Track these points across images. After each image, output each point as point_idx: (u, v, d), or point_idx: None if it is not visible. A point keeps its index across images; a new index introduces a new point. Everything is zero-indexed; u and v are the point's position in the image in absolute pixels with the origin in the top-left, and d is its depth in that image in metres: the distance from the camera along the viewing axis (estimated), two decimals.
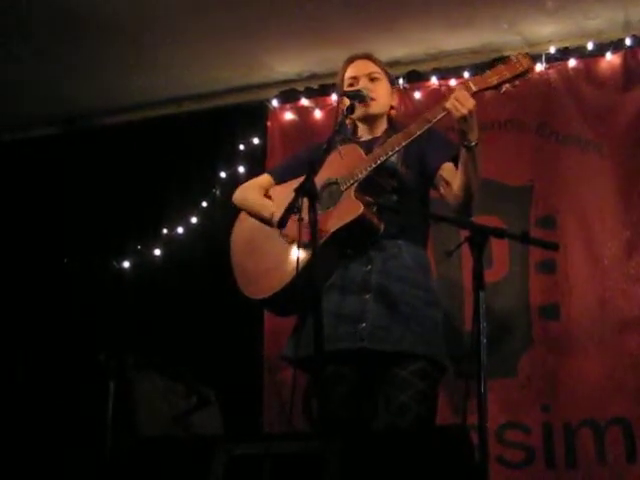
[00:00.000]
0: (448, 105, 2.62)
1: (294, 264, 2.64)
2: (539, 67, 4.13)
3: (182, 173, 4.79)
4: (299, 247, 2.59)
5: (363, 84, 2.91)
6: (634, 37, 4.11)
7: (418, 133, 2.69)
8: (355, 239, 2.76)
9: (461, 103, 2.59)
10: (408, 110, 4.29)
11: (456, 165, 2.76)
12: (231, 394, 4.01)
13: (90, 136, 5.04)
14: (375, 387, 2.77)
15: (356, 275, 2.77)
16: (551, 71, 4.21)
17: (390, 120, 2.98)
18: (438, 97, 4.29)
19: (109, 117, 5.06)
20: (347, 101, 2.84)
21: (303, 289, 2.58)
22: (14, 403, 4.53)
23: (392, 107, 2.99)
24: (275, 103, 4.68)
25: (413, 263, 2.80)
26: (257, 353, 4.33)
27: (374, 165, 2.73)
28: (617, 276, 3.91)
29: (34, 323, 4.75)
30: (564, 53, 4.20)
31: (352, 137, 2.96)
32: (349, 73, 2.97)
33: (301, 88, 4.67)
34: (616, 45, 4.13)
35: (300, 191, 2.49)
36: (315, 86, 4.64)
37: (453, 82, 4.35)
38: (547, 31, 4.26)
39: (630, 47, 4.11)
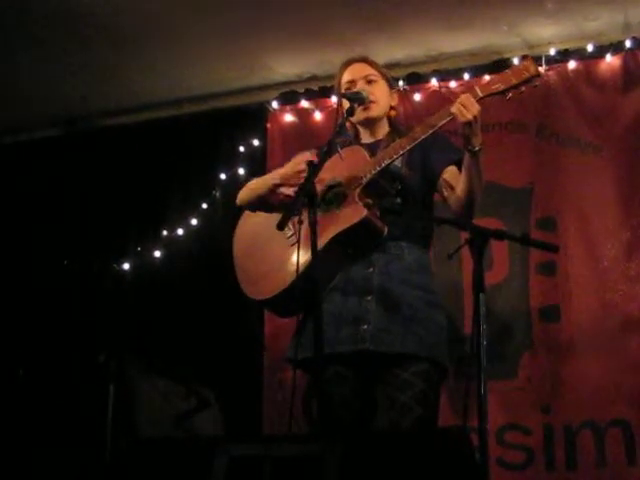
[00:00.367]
0: (453, 110, 2.62)
1: (295, 266, 2.64)
2: (539, 69, 4.13)
3: (182, 175, 4.79)
4: (299, 249, 2.59)
5: (360, 87, 2.90)
6: (634, 39, 4.11)
7: (422, 137, 2.70)
8: (358, 242, 2.76)
9: (466, 108, 2.59)
10: (408, 112, 4.29)
11: (460, 169, 2.76)
12: (231, 395, 4.01)
13: (91, 138, 5.04)
14: (376, 388, 2.78)
15: (358, 277, 2.78)
16: (551, 73, 4.21)
17: (391, 122, 2.99)
18: (438, 99, 4.30)
19: (109, 119, 5.06)
20: (347, 103, 2.84)
21: (304, 291, 2.58)
22: (15, 404, 4.53)
23: (392, 108, 2.99)
24: (275, 105, 4.69)
25: (415, 265, 2.80)
26: (257, 354, 4.34)
27: (378, 168, 2.73)
28: (617, 277, 3.91)
29: (34, 325, 4.75)
30: (564, 55, 4.20)
31: (354, 141, 2.97)
32: (346, 77, 2.97)
33: (301, 90, 4.68)
34: (616, 47, 4.13)
35: (300, 192, 2.49)
36: (315, 88, 4.64)
37: (453, 84, 4.36)
38: (547, 33, 4.26)
39: (630, 49, 4.11)
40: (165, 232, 4.72)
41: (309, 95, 4.64)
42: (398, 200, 2.81)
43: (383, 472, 2.04)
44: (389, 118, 2.98)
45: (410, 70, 4.46)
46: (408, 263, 2.79)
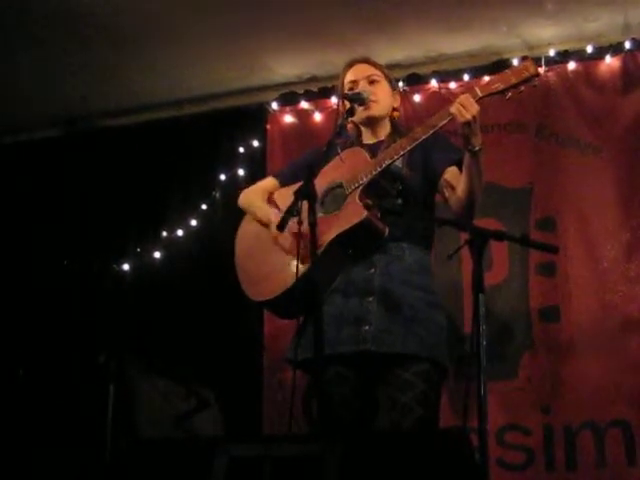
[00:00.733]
0: (453, 110, 2.62)
1: (295, 267, 2.64)
2: (539, 70, 4.13)
3: (182, 175, 4.79)
4: (299, 250, 2.59)
5: (362, 87, 2.91)
6: (633, 40, 4.11)
7: (423, 137, 2.70)
8: (359, 243, 2.76)
9: (465, 108, 2.60)
10: (408, 113, 4.29)
11: (460, 169, 2.76)
12: (231, 396, 4.02)
13: (90, 138, 5.04)
14: (377, 389, 2.78)
15: (359, 278, 2.78)
16: (551, 74, 4.21)
17: (393, 123, 2.99)
18: (438, 100, 4.31)
19: (109, 119, 5.06)
20: (347, 104, 2.85)
21: (305, 292, 2.58)
22: (15, 405, 4.53)
23: (395, 109, 3.00)
24: (275, 106, 4.69)
25: (416, 266, 2.80)
26: (257, 355, 4.34)
27: (379, 169, 2.73)
28: (617, 278, 3.91)
29: (35, 325, 4.75)
30: (564, 56, 4.21)
31: (356, 141, 2.97)
32: (348, 77, 2.98)
33: (301, 91, 4.68)
34: (615, 48, 4.14)
35: (299, 194, 2.49)
36: (315, 89, 4.64)
37: (453, 85, 4.36)
38: (547, 34, 4.27)
39: (630, 50, 4.11)
40: (165, 233, 4.72)
41: (309, 96, 4.65)
42: (399, 201, 2.81)
43: (383, 472, 2.04)
44: (391, 119, 2.99)
45: (410, 71, 4.47)
46: (409, 264, 2.79)
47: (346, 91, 2.94)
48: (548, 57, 4.21)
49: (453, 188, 2.80)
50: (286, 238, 2.82)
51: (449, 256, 2.68)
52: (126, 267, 4.73)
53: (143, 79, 4.72)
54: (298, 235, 2.55)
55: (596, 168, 4.07)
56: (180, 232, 4.70)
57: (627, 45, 4.11)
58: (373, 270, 2.77)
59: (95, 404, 3.55)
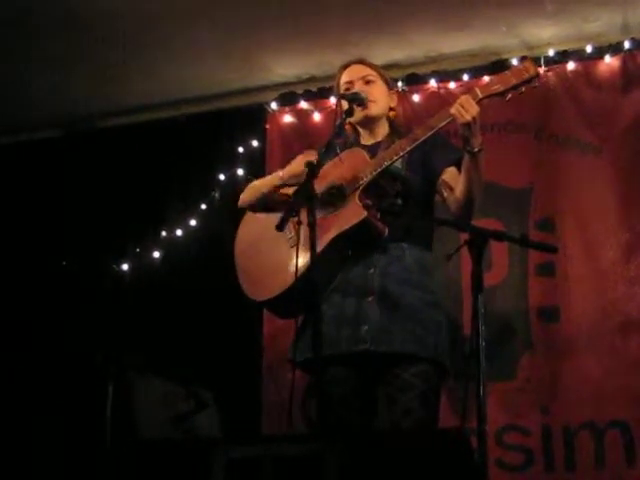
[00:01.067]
0: (452, 111, 2.63)
1: (295, 267, 2.64)
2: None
3: (181, 176, 4.79)
4: (299, 250, 2.59)
5: (359, 87, 2.92)
6: (633, 40, 4.11)
7: (423, 138, 2.71)
8: (359, 243, 2.76)
9: (465, 109, 2.60)
10: (407, 113, 4.29)
11: (459, 170, 2.76)
12: (230, 396, 4.00)
13: (90, 138, 5.04)
14: (377, 389, 2.78)
15: (359, 278, 2.78)
16: (550, 74, 4.21)
17: (391, 123, 2.99)
18: (437, 100, 4.30)
19: (109, 119, 5.06)
20: (345, 104, 2.85)
21: (304, 292, 2.58)
22: (13, 405, 4.53)
23: (392, 109, 3.00)
24: (274, 106, 4.69)
25: (416, 266, 2.80)
26: (256, 355, 4.33)
27: (379, 169, 2.74)
28: (616, 278, 3.91)
29: (33, 326, 4.74)
30: (563, 56, 4.21)
31: (354, 142, 2.97)
32: (344, 78, 2.99)
33: (300, 91, 4.68)
34: (615, 48, 4.14)
35: (299, 194, 2.49)
36: (314, 89, 4.64)
37: (452, 85, 4.36)
38: (546, 34, 4.27)
39: (629, 50, 4.11)
40: (164, 233, 4.71)
41: (308, 96, 4.65)
42: (399, 201, 2.81)
43: (383, 472, 2.04)
44: (389, 119, 2.99)
45: (409, 71, 4.47)
46: (408, 264, 2.79)
47: (342, 92, 2.94)
48: (548, 57, 4.21)
49: (451, 189, 2.80)
50: (286, 238, 2.82)
51: (448, 256, 2.68)
52: (125, 267, 4.72)
53: (143, 79, 4.72)
54: (298, 235, 2.55)
55: (596, 168, 4.07)
56: (179, 232, 4.70)
57: (626, 45, 4.12)
58: (372, 270, 2.77)
59: (94, 405, 3.54)
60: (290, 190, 2.78)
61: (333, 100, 4.41)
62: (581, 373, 3.85)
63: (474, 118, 2.61)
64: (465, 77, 4.32)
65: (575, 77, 4.20)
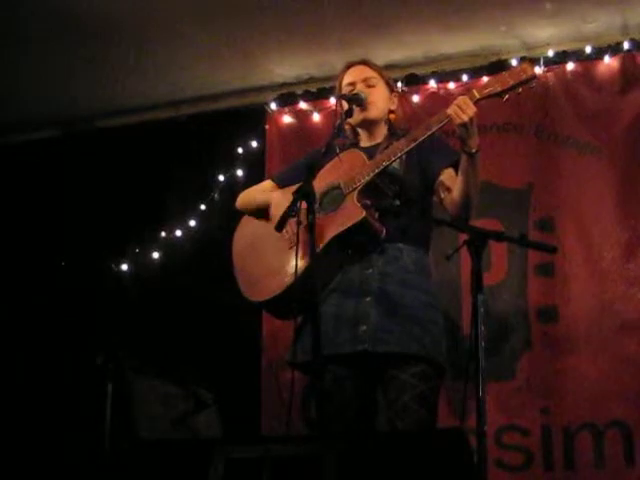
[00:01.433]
0: (450, 112, 2.64)
1: (294, 268, 2.64)
2: (537, 70, 4.12)
3: (180, 176, 4.79)
4: (297, 250, 2.59)
5: (360, 89, 2.92)
6: (632, 41, 4.12)
7: (420, 139, 2.72)
8: (357, 243, 2.77)
9: (462, 110, 2.61)
10: (406, 113, 4.25)
11: (457, 171, 2.77)
12: (230, 397, 4.01)
13: (89, 139, 5.04)
14: (376, 389, 2.78)
15: (357, 278, 2.79)
16: (549, 74, 4.22)
17: (390, 126, 2.99)
18: (437, 100, 4.30)
19: (108, 120, 5.05)
20: (345, 105, 2.85)
21: (302, 293, 2.58)
22: (13, 405, 4.53)
23: (391, 111, 3.00)
24: (273, 106, 4.69)
25: (414, 266, 2.81)
26: (255, 355, 4.33)
27: (377, 170, 2.75)
28: (616, 279, 3.91)
29: (33, 326, 4.74)
30: (562, 56, 4.21)
31: (353, 144, 2.97)
32: (346, 79, 2.99)
33: (299, 91, 4.68)
34: (614, 49, 4.14)
35: (298, 194, 2.50)
36: (313, 89, 4.64)
37: (452, 85, 4.37)
38: (545, 34, 4.27)
39: (628, 51, 4.12)
40: (163, 234, 4.71)
41: (307, 96, 4.65)
42: (396, 202, 2.82)
43: (382, 473, 2.04)
44: (388, 122, 2.99)
45: (408, 71, 4.47)
46: (407, 265, 2.80)
47: (344, 92, 2.94)
48: (547, 57, 4.21)
49: (449, 190, 2.81)
50: (284, 238, 2.83)
51: (448, 257, 2.68)
52: (124, 267, 4.72)
53: (142, 79, 4.71)
54: (297, 235, 2.55)
55: (595, 168, 4.07)
56: (179, 233, 4.70)
57: (626, 45, 4.12)
58: (371, 270, 2.78)
59: (93, 405, 3.54)
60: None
61: (333, 101, 4.41)
62: (580, 373, 3.85)
63: (471, 119, 2.62)
64: (464, 77, 4.32)
65: (574, 77, 4.20)
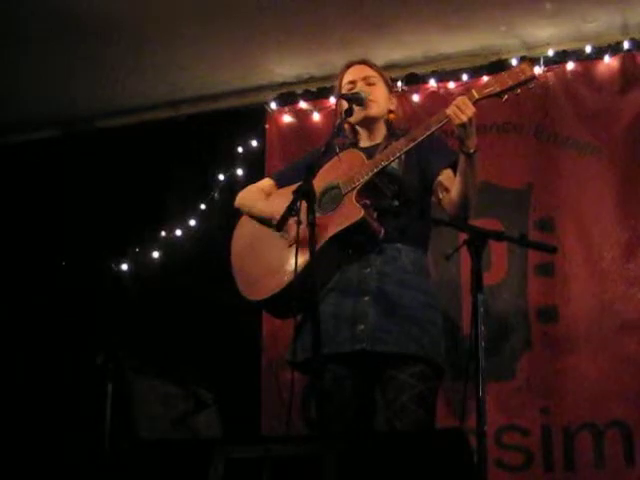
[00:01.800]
0: (449, 112, 2.64)
1: (293, 266, 2.64)
2: (537, 70, 4.13)
3: (180, 176, 4.79)
4: (297, 249, 2.60)
5: (360, 88, 2.92)
6: (632, 40, 4.11)
7: (419, 139, 2.72)
8: (355, 243, 2.77)
9: (461, 110, 2.61)
10: (406, 113, 4.29)
11: (455, 172, 2.77)
12: (230, 396, 4.01)
13: (89, 139, 5.03)
14: (374, 389, 2.78)
15: (355, 278, 2.79)
16: (549, 74, 4.21)
17: (389, 126, 2.99)
18: (437, 100, 4.30)
19: (108, 120, 5.05)
20: (345, 104, 2.85)
21: (301, 292, 2.58)
22: (13, 405, 4.53)
23: (391, 111, 3.00)
24: (273, 106, 4.69)
25: (412, 267, 2.81)
26: (255, 355, 4.33)
27: (375, 170, 2.75)
28: (616, 279, 3.91)
29: (33, 326, 4.74)
30: (562, 56, 4.21)
31: (353, 143, 2.97)
32: (347, 78, 3.00)
33: (300, 91, 4.68)
34: (614, 48, 4.13)
35: (298, 193, 2.50)
36: (313, 89, 4.64)
37: (452, 85, 4.37)
38: (545, 34, 4.26)
39: (628, 50, 4.11)
40: (163, 233, 4.71)
41: (307, 96, 4.65)
42: (395, 202, 2.82)
43: (382, 473, 2.04)
44: (387, 122, 2.99)
45: (408, 71, 4.47)
46: (405, 264, 2.80)
47: (344, 91, 2.95)
48: (547, 57, 4.21)
49: (447, 190, 2.82)
50: (283, 237, 2.83)
51: (447, 256, 2.69)
52: (124, 267, 4.72)
53: (142, 79, 4.71)
54: (297, 235, 2.55)
55: (595, 168, 4.07)
56: (179, 232, 4.70)
57: (626, 45, 4.11)
58: (369, 270, 2.78)
59: (93, 405, 3.54)
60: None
61: (333, 100, 4.41)
62: (580, 373, 3.85)
63: (470, 119, 2.62)
64: (464, 77, 4.32)
65: (574, 77, 4.20)
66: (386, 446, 2.11)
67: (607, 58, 4.15)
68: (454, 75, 4.37)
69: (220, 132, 4.77)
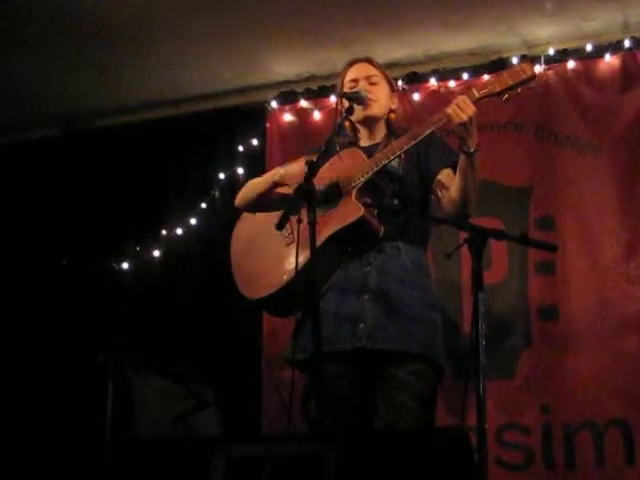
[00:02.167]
0: (449, 111, 2.65)
1: (293, 265, 2.64)
2: (538, 69, 4.13)
3: (181, 174, 4.79)
4: (298, 248, 2.60)
5: (362, 86, 2.92)
6: (633, 39, 4.11)
7: (419, 138, 2.72)
8: (355, 241, 2.77)
9: (462, 109, 2.62)
10: (407, 111, 4.29)
11: (455, 171, 2.77)
12: (230, 395, 4.01)
13: (89, 138, 5.03)
14: (374, 387, 2.78)
15: (355, 276, 2.79)
16: (550, 72, 4.21)
17: (389, 125, 2.99)
18: (437, 98, 4.30)
19: (108, 119, 5.05)
20: (346, 103, 2.85)
21: (301, 290, 2.58)
22: (13, 404, 4.53)
23: (392, 111, 3.00)
24: (274, 104, 4.68)
25: (412, 265, 2.81)
26: (256, 354, 4.33)
27: (375, 168, 2.75)
28: (616, 277, 3.91)
29: (33, 325, 4.74)
30: (563, 55, 4.20)
31: (353, 142, 2.97)
32: (349, 76, 3.00)
33: (300, 89, 4.67)
34: (615, 47, 4.13)
35: (299, 192, 2.50)
36: (314, 87, 4.64)
37: (452, 83, 4.36)
38: (546, 33, 4.26)
39: (629, 49, 4.11)
40: (164, 231, 4.71)
41: (308, 95, 4.64)
42: (395, 200, 2.83)
43: (382, 472, 2.04)
44: (387, 121, 2.99)
45: (409, 69, 4.46)
46: (405, 263, 2.81)
47: (346, 90, 2.94)
48: (547, 56, 4.21)
49: (447, 189, 2.82)
50: (282, 236, 2.83)
51: (448, 255, 2.69)
52: (125, 266, 4.72)
53: (142, 78, 4.71)
54: (297, 233, 2.55)
55: (596, 167, 4.06)
56: (179, 231, 4.69)
57: (626, 44, 4.11)
58: (369, 268, 2.78)
59: (94, 404, 3.55)
60: (286, 189, 2.79)
61: (333, 99, 4.41)
62: (581, 372, 3.85)
63: (470, 118, 2.62)
64: (465, 76, 4.31)
65: (575, 76, 4.20)
66: (386, 444, 2.11)
67: (608, 56, 4.14)
68: (455, 74, 4.36)
69: (221, 131, 4.77)
